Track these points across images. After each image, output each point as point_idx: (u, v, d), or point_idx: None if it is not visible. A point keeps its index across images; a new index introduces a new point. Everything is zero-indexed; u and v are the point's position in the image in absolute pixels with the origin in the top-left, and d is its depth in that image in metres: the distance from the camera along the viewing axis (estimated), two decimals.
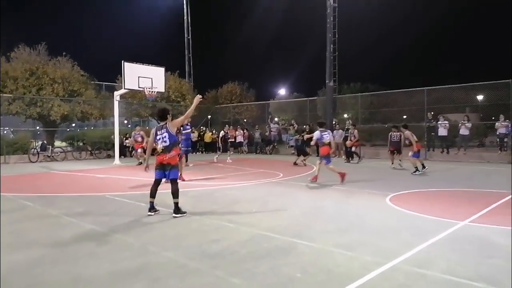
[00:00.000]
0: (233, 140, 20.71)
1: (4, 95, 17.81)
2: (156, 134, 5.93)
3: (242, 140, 21.72)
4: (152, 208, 5.97)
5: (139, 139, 14.47)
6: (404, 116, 21.70)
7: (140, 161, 14.49)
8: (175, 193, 5.87)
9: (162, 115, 6.05)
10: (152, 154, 6.09)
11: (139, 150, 14.52)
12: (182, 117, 6.27)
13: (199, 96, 6.19)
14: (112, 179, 10.72)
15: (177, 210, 5.84)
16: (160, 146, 5.87)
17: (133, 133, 15.19)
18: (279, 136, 22.53)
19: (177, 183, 5.97)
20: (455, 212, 5.89)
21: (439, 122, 16.30)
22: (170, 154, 5.84)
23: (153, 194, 5.99)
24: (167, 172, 5.89)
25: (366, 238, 4.55)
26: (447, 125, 16.26)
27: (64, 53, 20.73)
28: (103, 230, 5.06)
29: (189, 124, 12.13)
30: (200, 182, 9.67)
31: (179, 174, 9.63)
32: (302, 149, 14.18)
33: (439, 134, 16.33)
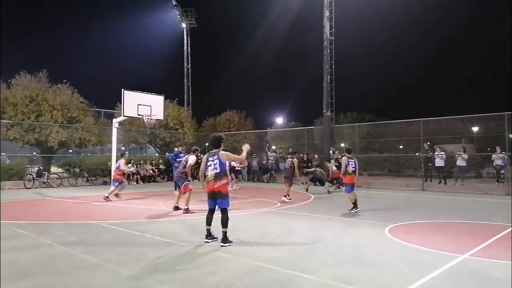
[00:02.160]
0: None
1: (3, 121, 17.85)
2: (207, 161, 5.89)
3: (240, 169, 21.67)
4: (209, 235, 5.92)
5: None
6: (401, 146, 21.84)
7: None
8: (224, 223, 5.75)
9: (217, 143, 6.03)
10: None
11: None
12: (237, 156, 6.48)
13: (247, 145, 6.33)
14: (107, 207, 10.58)
15: (225, 239, 5.74)
16: (210, 173, 5.80)
17: None
18: (276, 164, 22.49)
19: (227, 212, 5.85)
20: (455, 245, 5.81)
21: (435, 153, 16.38)
22: (221, 182, 5.76)
23: (209, 222, 5.94)
24: (218, 200, 5.79)
25: (365, 272, 4.46)
26: (444, 155, 16.34)
27: (64, 81, 21.02)
28: (96, 260, 4.94)
29: (183, 152, 11.40)
30: (197, 210, 9.54)
31: (187, 207, 9.37)
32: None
33: (436, 165, 16.37)
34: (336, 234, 6.74)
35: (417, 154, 17.88)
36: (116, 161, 12.54)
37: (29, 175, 17.20)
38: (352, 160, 9.61)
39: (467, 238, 6.30)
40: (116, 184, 11.85)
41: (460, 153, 15.66)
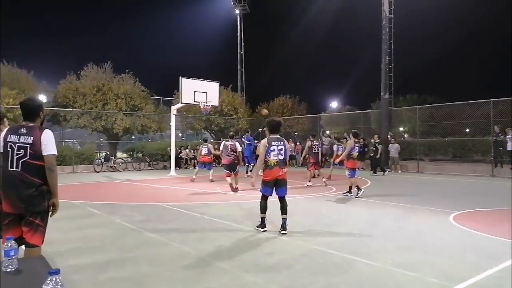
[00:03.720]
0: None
1: (75, 109, 19.42)
2: (271, 145, 5.51)
3: (294, 153, 21.80)
4: (262, 225, 5.61)
5: None
6: (467, 130, 20.39)
7: None
8: (286, 209, 5.56)
9: (278, 128, 5.76)
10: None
11: None
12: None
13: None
14: (168, 189, 11.15)
15: (286, 225, 5.49)
16: (274, 159, 5.46)
17: None
18: (331, 149, 22.14)
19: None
20: None
21: (507, 136, 15.09)
22: (285, 170, 5.57)
23: (265, 209, 5.62)
24: (280, 189, 5.55)
25: (429, 259, 4.29)
26: None
27: (127, 71, 22.24)
28: (162, 238, 5.27)
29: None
30: (254, 194, 9.73)
31: (236, 186, 10.25)
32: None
33: (508, 149, 15.09)
34: (396, 220, 6.53)
35: (486, 137, 16.59)
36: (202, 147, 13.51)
37: (98, 160, 18.61)
38: (358, 145, 9.49)
39: None
40: (202, 167, 13.25)
41: None
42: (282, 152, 5.53)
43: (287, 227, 5.50)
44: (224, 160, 10.76)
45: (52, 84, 22.04)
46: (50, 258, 4.20)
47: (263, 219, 5.65)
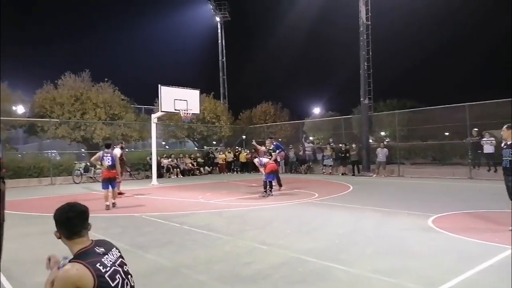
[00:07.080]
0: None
1: (52, 120, 18.95)
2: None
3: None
4: None
5: None
6: (446, 133, 20.81)
7: None
8: None
9: None
10: None
11: None
12: None
13: None
14: (149, 200, 10.94)
15: None
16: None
17: None
18: (314, 155, 22.26)
19: None
20: (505, 236, 5.44)
21: (484, 139, 15.45)
22: None
23: None
24: None
25: (407, 263, 4.29)
26: (494, 141, 15.36)
27: (106, 79, 21.90)
28: (137, 251, 5.12)
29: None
30: (234, 203, 9.65)
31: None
32: None
33: (485, 152, 15.44)
34: (376, 225, 6.54)
35: (464, 140, 16.95)
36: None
37: (77, 171, 18.16)
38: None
39: None
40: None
41: None
42: None
43: None
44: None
45: (28, 94, 21.51)
46: (16, 277, 4.03)
47: None
